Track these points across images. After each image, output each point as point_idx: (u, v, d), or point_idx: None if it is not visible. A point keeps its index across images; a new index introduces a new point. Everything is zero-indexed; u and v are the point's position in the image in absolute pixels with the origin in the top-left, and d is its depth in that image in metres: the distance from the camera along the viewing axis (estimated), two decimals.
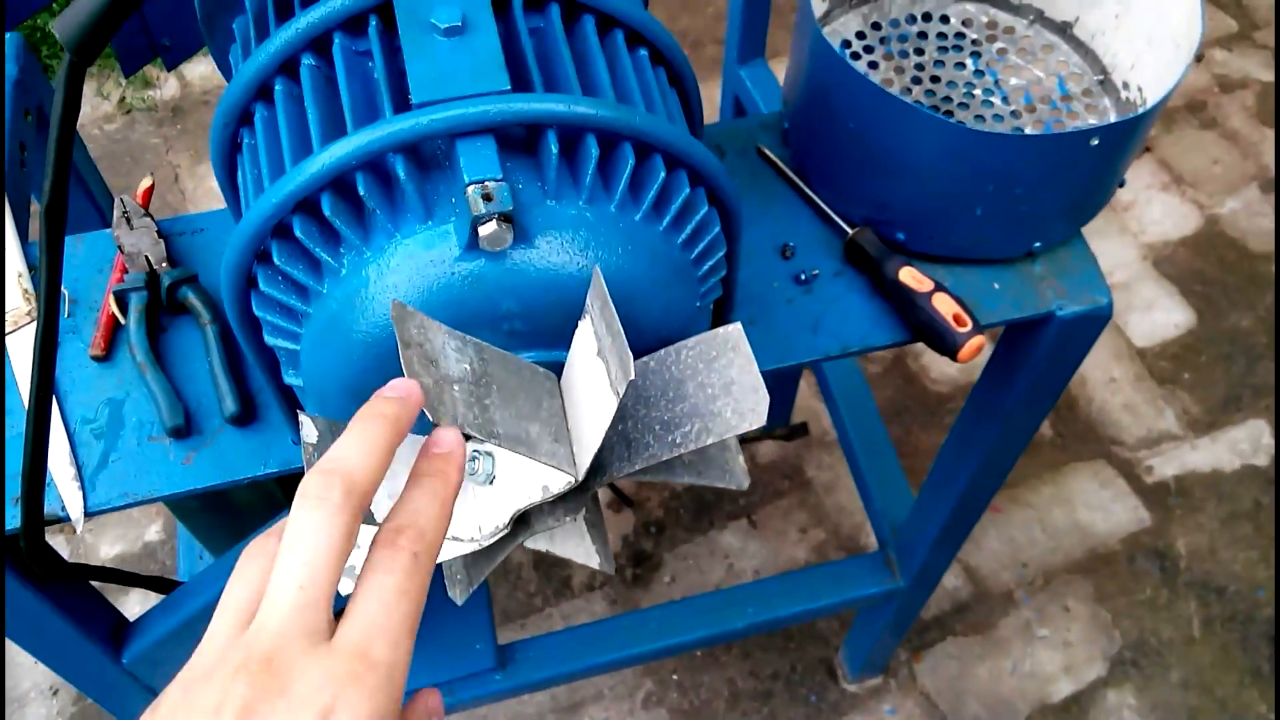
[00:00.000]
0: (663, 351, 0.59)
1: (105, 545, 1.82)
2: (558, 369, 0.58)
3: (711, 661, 1.67)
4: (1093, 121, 0.87)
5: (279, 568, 0.39)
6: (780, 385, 1.75)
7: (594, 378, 0.54)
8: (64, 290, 0.80)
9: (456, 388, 0.51)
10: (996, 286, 0.82)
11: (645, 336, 0.59)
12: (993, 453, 1.00)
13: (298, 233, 0.55)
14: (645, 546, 1.77)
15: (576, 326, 0.57)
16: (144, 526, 1.82)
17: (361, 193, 0.53)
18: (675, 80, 0.68)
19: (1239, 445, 1.86)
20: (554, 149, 0.54)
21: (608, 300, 0.52)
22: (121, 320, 0.78)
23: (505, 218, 0.52)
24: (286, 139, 0.58)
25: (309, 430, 0.54)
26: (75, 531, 0.72)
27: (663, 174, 0.57)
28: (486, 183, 0.51)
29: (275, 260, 0.56)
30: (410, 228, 0.54)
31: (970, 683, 1.66)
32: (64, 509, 0.71)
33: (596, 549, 0.61)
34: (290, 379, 0.63)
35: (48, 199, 0.61)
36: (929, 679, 1.67)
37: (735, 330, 0.58)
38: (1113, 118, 0.87)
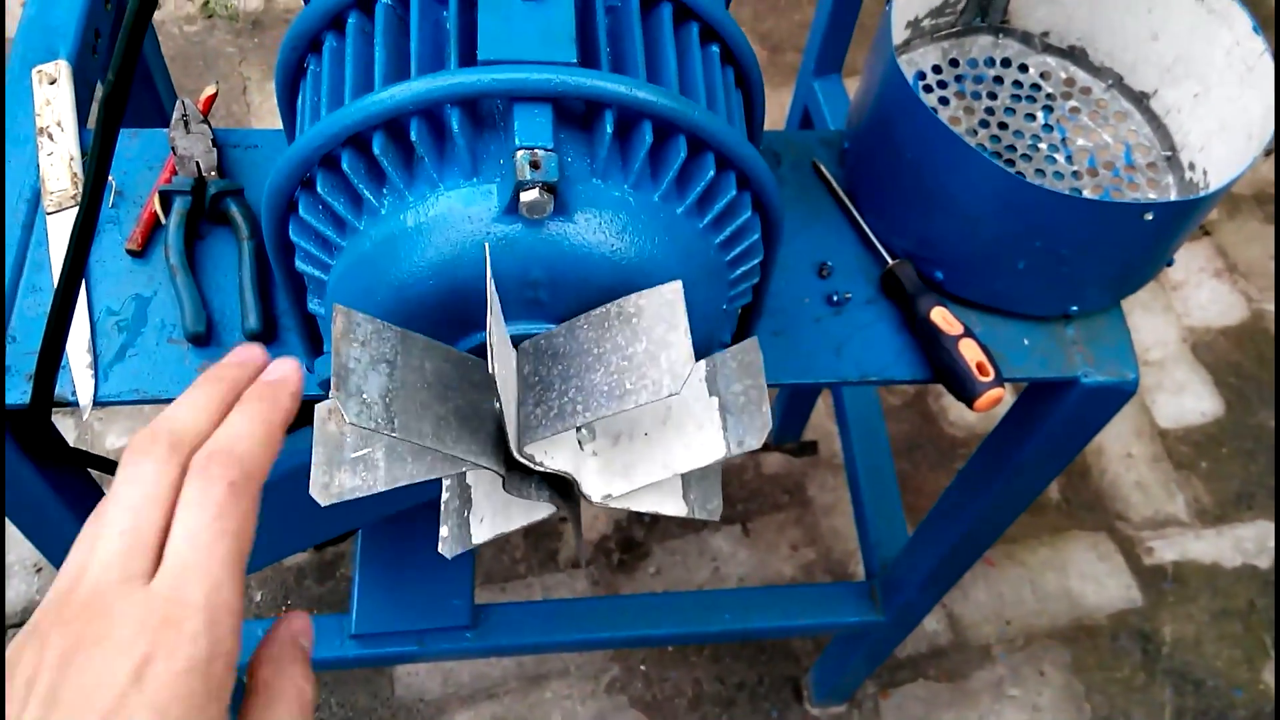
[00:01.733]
0: (594, 312, 0.57)
1: (112, 435, 1.84)
2: None
3: (681, 659, 1.68)
4: (1153, 196, 0.86)
5: (104, 518, 0.39)
6: (796, 401, 1.75)
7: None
8: (111, 181, 0.81)
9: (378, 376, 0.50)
10: (1026, 342, 0.81)
11: None
12: (994, 506, 1.00)
13: (345, 166, 0.55)
14: (636, 535, 1.78)
15: (598, 306, 0.57)
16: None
17: (414, 138, 0.54)
18: (742, 81, 0.68)
19: (1243, 543, 1.84)
20: (609, 129, 0.54)
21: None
22: (162, 220, 0.79)
23: (549, 188, 0.52)
24: (350, 73, 0.58)
25: (339, 320, 0.52)
26: (84, 418, 0.73)
27: (712, 172, 0.57)
28: (536, 150, 0.52)
29: (319, 189, 0.56)
30: (454, 180, 0.54)
31: None
32: (74, 394, 0.72)
33: (712, 496, 0.61)
34: (314, 307, 0.64)
35: (109, 89, 0.61)
36: (892, 716, 1.66)
37: (673, 287, 0.55)
38: (1173, 195, 0.86)
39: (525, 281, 0.55)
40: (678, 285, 0.54)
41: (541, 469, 0.52)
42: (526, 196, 0.52)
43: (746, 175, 0.59)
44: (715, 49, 0.65)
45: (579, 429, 0.58)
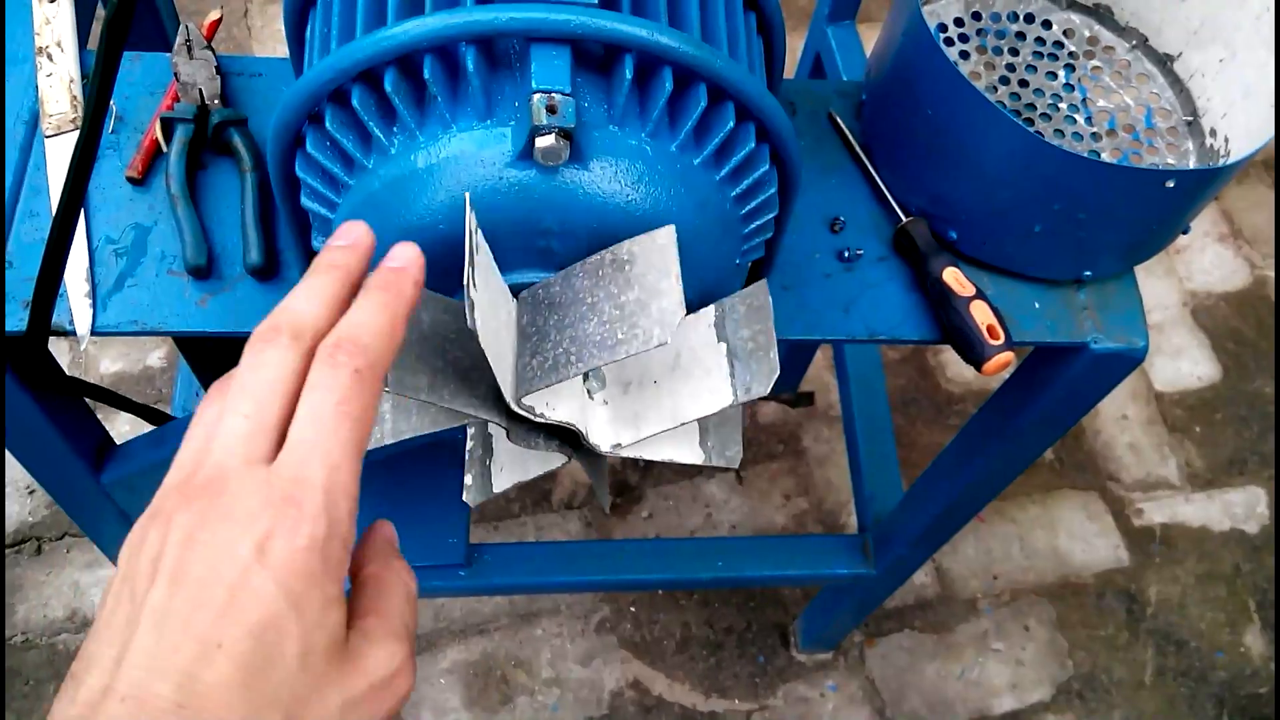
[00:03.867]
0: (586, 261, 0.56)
1: (107, 361, 1.84)
2: None
3: (670, 602, 1.69)
4: (1171, 161, 0.85)
5: (227, 403, 0.39)
6: (795, 353, 1.74)
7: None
8: (112, 106, 0.79)
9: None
10: (1037, 306, 0.80)
11: None
12: (992, 468, 1.00)
13: (355, 102, 0.54)
14: (630, 479, 1.78)
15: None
16: (147, 350, 1.83)
17: (427, 76, 0.52)
18: (764, 28, 0.66)
19: (1233, 508, 1.85)
20: (628, 75, 0.53)
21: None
22: (164, 148, 0.77)
23: (565, 134, 0.51)
24: (363, 5, 0.56)
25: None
26: (82, 347, 0.72)
27: (731, 123, 0.56)
28: (553, 94, 0.50)
29: (327, 125, 0.55)
30: (468, 122, 0.53)
31: (916, 678, 1.67)
32: (71, 323, 0.71)
33: (732, 444, 0.60)
34: (318, 245, 0.63)
35: (112, 11, 0.60)
36: (877, 665, 1.68)
37: (665, 231, 0.54)
38: (1192, 162, 0.85)
39: (537, 230, 0.54)
40: (670, 230, 0.53)
41: (541, 420, 0.52)
42: (542, 142, 0.50)
43: (766, 127, 0.58)
44: None
45: (586, 378, 0.57)
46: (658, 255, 0.53)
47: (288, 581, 0.36)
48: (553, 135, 0.50)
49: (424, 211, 0.54)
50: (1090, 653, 1.72)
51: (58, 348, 1.83)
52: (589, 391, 0.58)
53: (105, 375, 1.83)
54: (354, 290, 0.42)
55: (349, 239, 0.44)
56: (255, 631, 0.35)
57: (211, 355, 1.17)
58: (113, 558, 1.06)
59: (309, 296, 0.41)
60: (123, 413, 1.73)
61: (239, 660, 0.35)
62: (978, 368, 0.74)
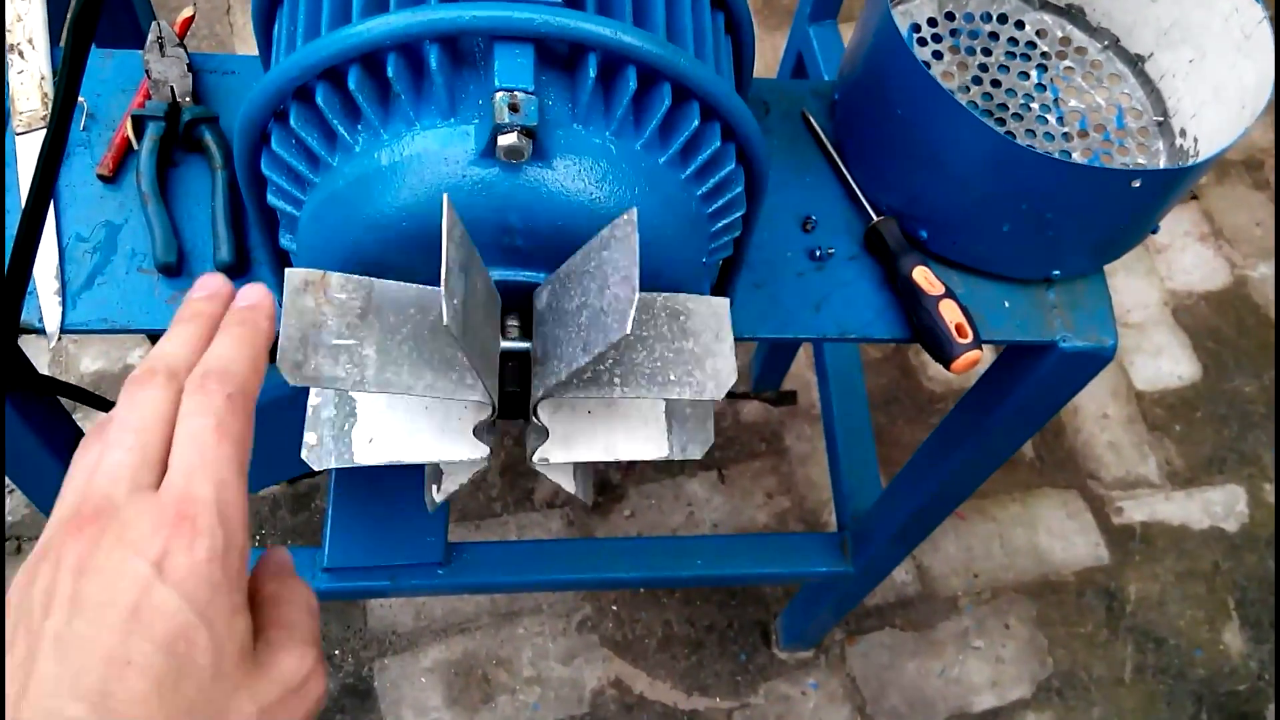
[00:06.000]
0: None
1: (87, 359, 1.83)
2: None
3: (652, 600, 1.70)
4: (1142, 161, 0.85)
5: (108, 440, 0.40)
6: (777, 351, 1.75)
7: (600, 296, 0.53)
8: (83, 103, 0.79)
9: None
10: (1007, 305, 0.81)
11: (643, 281, 0.58)
12: (967, 465, 1.00)
13: (319, 100, 0.54)
14: (612, 478, 1.78)
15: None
16: (127, 349, 1.82)
17: (390, 74, 0.52)
18: (732, 28, 0.66)
19: (1212, 506, 1.86)
20: (592, 73, 0.53)
21: (632, 239, 0.51)
22: (135, 145, 0.77)
23: (528, 132, 0.51)
24: (329, 3, 0.56)
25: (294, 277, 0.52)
26: (50, 345, 0.72)
27: (696, 122, 0.56)
28: (516, 92, 0.50)
29: (292, 123, 0.55)
30: (431, 120, 0.53)
31: (897, 675, 1.68)
32: (40, 320, 0.71)
33: (578, 480, 0.61)
34: (286, 243, 0.63)
35: (78, 8, 0.60)
36: (858, 663, 1.69)
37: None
38: (1162, 162, 0.85)
39: (502, 227, 0.54)
40: (725, 302, 0.57)
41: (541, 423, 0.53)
42: (504, 140, 0.51)
43: (732, 127, 0.58)
44: None
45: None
46: (714, 319, 0.56)
47: (192, 593, 0.36)
48: (515, 133, 0.50)
49: (388, 209, 0.54)
50: (1070, 650, 1.72)
51: (37, 346, 1.82)
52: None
53: (86, 374, 1.82)
54: (212, 333, 0.44)
55: (208, 290, 0.46)
56: (165, 645, 0.36)
57: None
58: None
59: (178, 341, 0.43)
60: (94, 413, 1.73)
61: (152, 674, 0.35)
62: (946, 366, 0.75)
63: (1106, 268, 0.84)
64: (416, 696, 1.60)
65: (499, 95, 0.50)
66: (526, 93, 0.51)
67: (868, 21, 0.78)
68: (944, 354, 0.75)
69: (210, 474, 0.39)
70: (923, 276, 0.76)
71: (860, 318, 0.79)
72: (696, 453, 0.60)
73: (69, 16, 0.60)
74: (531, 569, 1.25)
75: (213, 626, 0.37)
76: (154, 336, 1.19)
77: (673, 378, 0.54)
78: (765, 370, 1.80)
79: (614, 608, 1.68)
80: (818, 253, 0.80)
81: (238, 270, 0.74)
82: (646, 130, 0.55)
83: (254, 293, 0.46)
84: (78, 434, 0.91)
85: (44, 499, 0.95)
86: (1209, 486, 1.88)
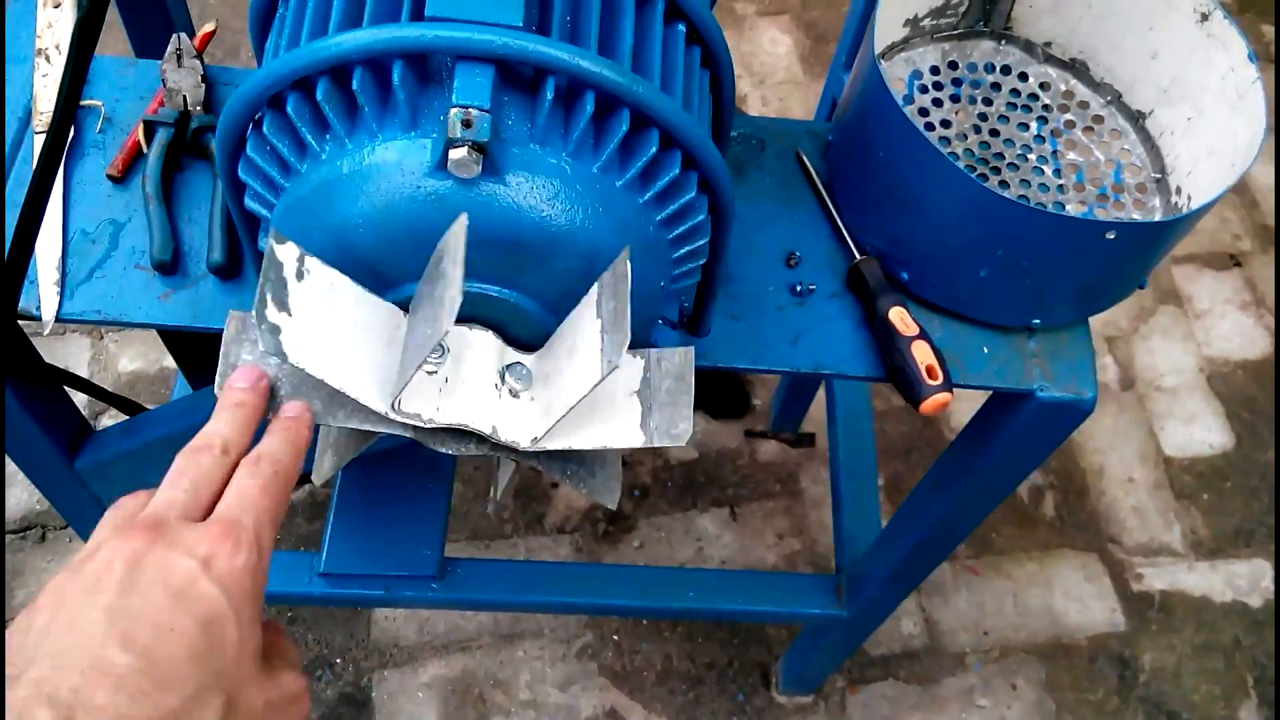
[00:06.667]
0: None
1: (125, 360, 1.88)
2: (505, 307, 0.59)
3: (654, 632, 1.69)
4: (1136, 217, 0.85)
5: (163, 485, 0.47)
6: (796, 392, 1.75)
7: (588, 346, 0.55)
8: (100, 106, 0.83)
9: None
10: (985, 350, 0.81)
11: None
12: (955, 511, 1.00)
13: (289, 109, 0.56)
14: (624, 508, 1.79)
15: (532, 271, 0.58)
16: (164, 351, 1.87)
17: (355, 87, 0.54)
18: (709, 62, 0.68)
19: (1236, 580, 1.81)
20: (549, 95, 0.55)
21: (626, 277, 0.53)
22: (144, 149, 0.80)
23: (478, 147, 0.53)
24: (309, 19, 0.59)
25: (233, 325, 0.56)
26: (44, 333, 0.76)
27: (654, 148, 0.58)
28: (470, 109, 0.52)
29: (265, 130, 0.57)
30: (392, 132, 0.55)
31: None
32: (38, 308, 0.74)
33: (612, 484, 0.62)
34: (263, 245, 0.65)
35: (83, 14, 0.63)
36: (858, 713, 1.67)
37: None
38: (1157, 218, 0.85)
39: None
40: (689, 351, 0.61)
41: (430, 425, 0.54)
42: (455, 154, 0.52)
43: (691, 154, 0.59)
44: (681, 27, 0.65)
45: (504, 379, 0.59)
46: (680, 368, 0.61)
47: (230, 590, 0.43)
48: (465, 148, 0.52)
49: (347, 216, 0.56)
50: (1078, 716, 1.69)
51: (78, 344, 1.88)
52: (511, 392, 0.59)
53: (123, 374, 1.88)
54: (257, 420, 0.53)
55: (248, 381, 0.54)
56: (204, 623, 0.42)
57: (197, 355, 1.21)
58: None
59: (227, 423, 0.51)
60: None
61: (189, 643, 0.41)
62: (915, 406, 0.75)
63: (1141, 329, 0.83)
64: (412, 711, 1.61)
65: (454, 111, 0.52)
66: (481, 110, 0.52)
67: (859, 67, 0.79)
68: (913, 394, 0.75)
69: (252, 512, 0.46)
70: (898, 317, 0.77)
71: (836, 354, 0.79)
72: (676, 441, 0.59)
73: (75, 21, 0.64)
74: (523, 589, 1.26)
75: (240, 622, 0.43)
76: (168, 339, 1.23)
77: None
78: (784, 411, 1.80)
79: (615, 637, 1.68)
80: (799, 288, 0.81)
81: (231, 271, 0.77)
82: (604, 153, 0.57)
83: (296, 407, 0.54)
84: (80, 423, 0.94)
85: (45, 484, 0.98)
86: (1234, 559, 1.83)
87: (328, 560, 1.23)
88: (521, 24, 0.54)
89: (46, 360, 0.83)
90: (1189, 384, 1.99)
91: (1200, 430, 1.94)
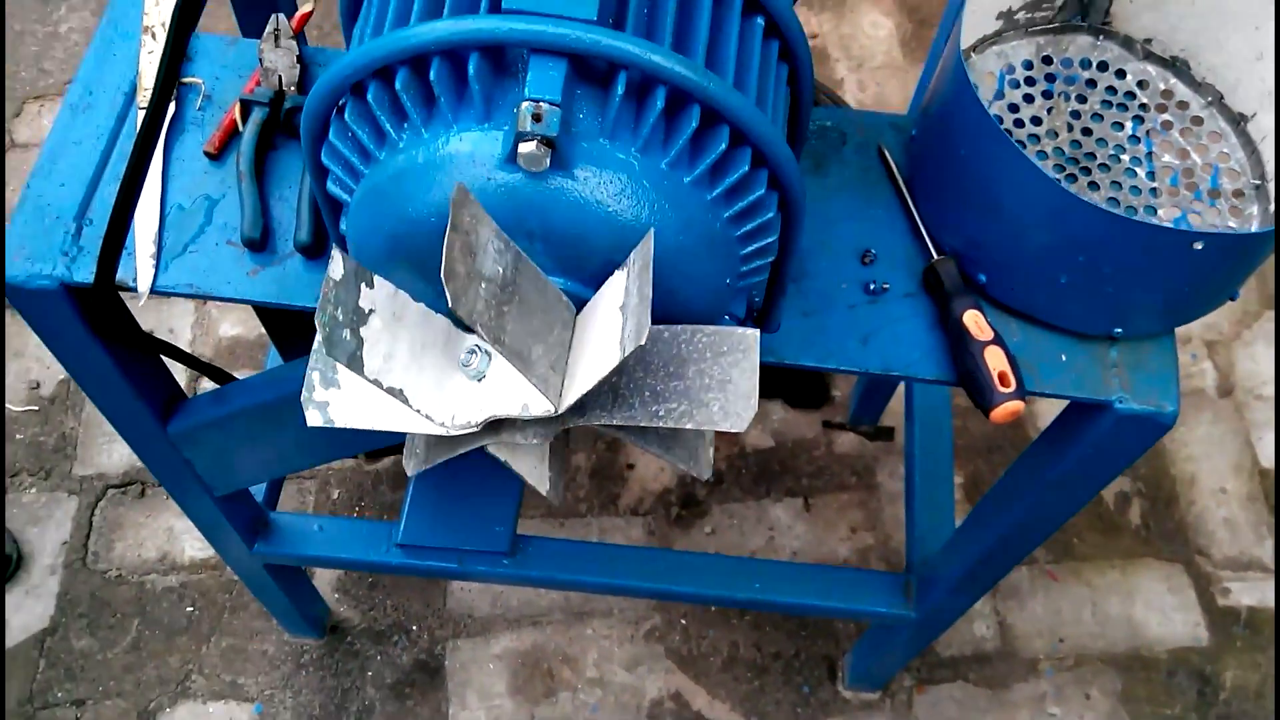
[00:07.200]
0: (679, 327, 0.60)
1: (226, 325, 1.95)
2: (571, 298, 0.60)
3: (722, 619, 1.70)
4: (1232, 224, 0.82)
5: None
6: (877, 386, 1.73)
7: (609, 328, 0.55)
8: (201, 84, 0.86)
9: (484, 285, 0.53)
10: (1064, 358, 0.79)
11: (658, 296, 0.60)
12: (1027, 520, 0.98)
13: (370, 98, 0.58)
14: (697, 493, 1.79)
15: (595, 263, 0.59)
16: None
17: (432, 78, 0.56)
18: (788, 55, 0.67)
19: None
20: (620, 90, 0.55)
21: (649, 263, 0.53)
22: (240, 128, 0.83)
23: (547, 142, 0.53)
24: (393, 8, 0.60)
25: (337, 265, 0.57)
26: (140, 303, 0.79)
27: (724, 145, 0.58)
28: (542, 103, 0.53)
29: (347, 117, 0.59)
30: (467, 124, 0.56)
31: None
32: (134, 280, 0.78)
33: (550, 476, 0.63)
34: (343, 227, 0.67)
35: (179, 6, 0.65)
36: (925, 713, 1.65)
37: (751, 335, 0.59)
38: (1254, 227, 0.82)
39: (521, 230, 0.57)
40: (754, 334, 0.60)
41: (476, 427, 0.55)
42: (524, 148, 0.53)
43: (763, 152, 0.59)
44: (759, 20, 0.64)
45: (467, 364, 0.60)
46: (744, 349, 0.60)
47: None
48: (535, 142, 0.53)
49: (421, 205, 0.57)
50: None
51: (183, 308, 1.95)
52: (478, 377, 0.60)
53: (223, 338, 1.94)
54: None
55: None
56: None
57: (288, 326, 1.25)
58: (179, 501, 1.14)
59: None
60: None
61: None
62: (985, 414, 0.74)
63: (1244, 334, 0.81)
64: (483, 681, 1.64)
65: (525, 105, 0.53)
66: (552, 104, 0.53)
67: (945, 62, 0.78)
68: (984, 401, 0.74)
69: None
70: (973, 320, 0.76)
71: (907, 356, 0.79)
72: (741, 421, 0.60)
73: (175, 4, 0.66)
74: (592, 570, 1.28)
75: None
76: (260, 311, 1.27)
77: (714, 409, 0.57)
78: (863, 403, 1.78)
79: (683, 621, 1.69)
80: (873, 286, 0.80)
81: (317, 250, 0.79)
82: (674, 149, 0.57)
83: None
84: (174, 389, 0.98)
85: (139, 445, 1.03)
86: None
87: (405, 531, 1.26)
88: (596, 17, 0.54)
89: (152, 322, 0.87)
90: None
91: None
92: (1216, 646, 1.70)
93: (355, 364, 0.52)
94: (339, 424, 0.53)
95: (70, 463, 1.78)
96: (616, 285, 0.57)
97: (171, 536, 1.75)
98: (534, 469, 0.63)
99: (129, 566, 1.72)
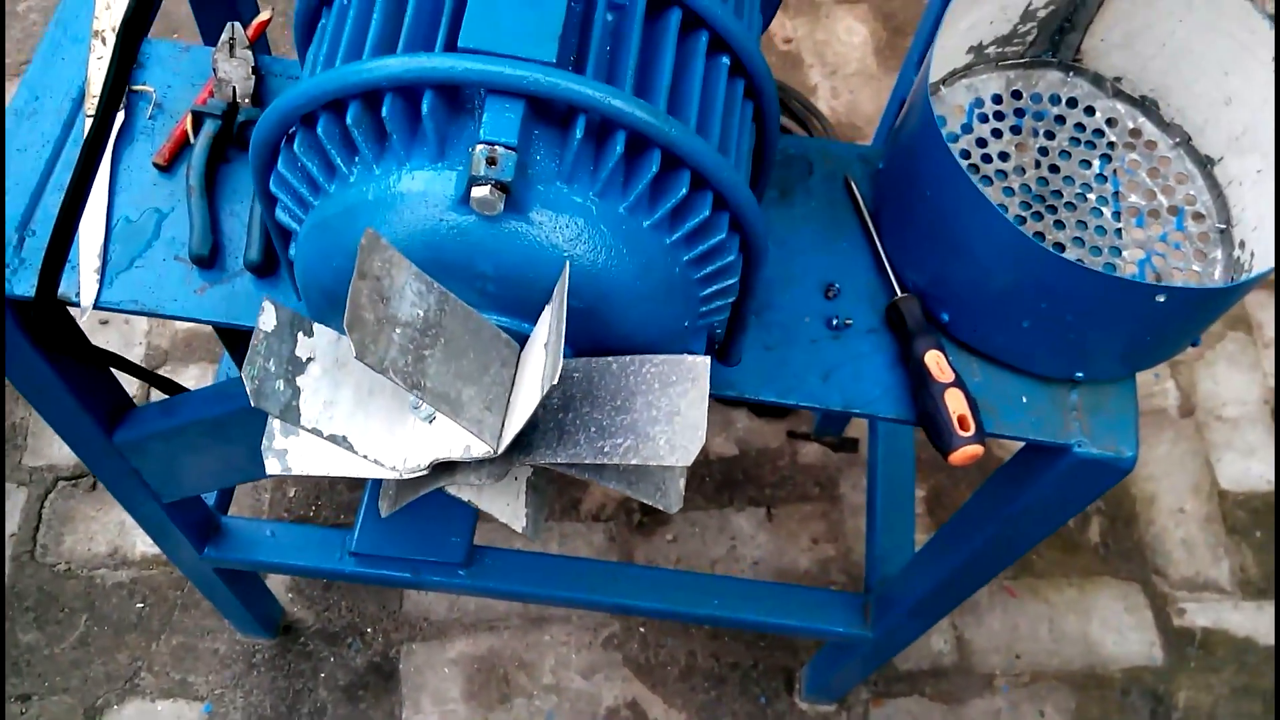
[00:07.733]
0: (628, 358, 0.59)
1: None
2: (521, 339, 0.59)
3: (680, 629, 1.69)
4: (1196, 269, 0.82)
5: None
6: None
7: (538, 365, 0.54)
8: (153, 92, 0.83)
9: (399, 331, 0.52)
10: (1024, 400, 0.78)
11: (614, 340, 0.59)
12: (982, 553, 0.98)
13: (320, 130, 0.56)
14: None
15: (543, 305, 0.57)
16: None
17: (385, 114, 0.54)
18: (755, 94, 0.66)
19: None
20: (579, 133, 0.54)
21: (564, 299, 0.52)
22: (191, 139, 0.81)
23: (502, 186, 0.52)
24: (346, 37, 0.59)
25: (268, 317, 0.56)
26: (82, 319, 0.77)
27: (685, 190, 0.57)
28: (497, 146, 0.51)
29: (296, 148, 0.57)
30: (420, 161, 0.55)
31: None
32: (77, 295, 0.75)
33: (526, 512, 0.62)
34: (291, 254, 0.65)
35: (130, 11, 0.63)
36: None
37: (701, 363, 0.57)
38: (1218, 272, 0.81)
39: (473, 273, 0.55)
40: (704, 362, 0.57)
41: (423, 473, 0.54)
42: (477, 192, 0.52)
43: (724, 197, 0.58)
44: (725, 60, 0.63)
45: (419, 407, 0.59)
46: (693, 379, 0.57)
47: None
48: (489, 186, 0.51)
49: None
50: None
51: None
52: (429, 419, 0.58)
53: (179, 330, 1.91)
54: None
55: None
56: None
57: (241, 336, 1.22)
58: (125, 506, 1.11)
59: None
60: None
61: None
62: (944, 456, 0.73)
63: (1207, 354, 0.81)
64: (437, 686, 1.63)
65: (479, 148, 0.51)
66: (508, 148, 0.51)
67: (912, 97, 0.77)
68: (942, 444, 0.73)
69: None
70: (934, 361, 0.75)
71: (868, 393, 0.78)
72: (687, 455, 0.58)
73: (124, 13, 0.64)
74: (548, 583, 1.27)
75: None
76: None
77: (661, 444, 0.55)
78: (829, 414, 1.78)
79: (641, 630, 1.69)
80: (835, 321, 0.79)
81: (267, 269, 0.77)
82: (633, 194, 0.56)
83: None
84: (120, 398, 0.96)
85: (85, 454, 1.00)
86: None
87: (359, 540, 1.24)
88: (555, 59, 0.53)
89: (107, 311, 0.84)
90: (1252, 415, 1.93)
91: (1259, 464, 1.88)
92: (1171, 667, 1.71)
93: (289, 415, 0.50)
94: (296, 471, 0.52)
95: (20, 453, 1.75)
96: (543, 323, 0.56)
97: (122, 531, 1.72)
98: (505, 507, 0.62)
99: (78, 560, 1.69)
